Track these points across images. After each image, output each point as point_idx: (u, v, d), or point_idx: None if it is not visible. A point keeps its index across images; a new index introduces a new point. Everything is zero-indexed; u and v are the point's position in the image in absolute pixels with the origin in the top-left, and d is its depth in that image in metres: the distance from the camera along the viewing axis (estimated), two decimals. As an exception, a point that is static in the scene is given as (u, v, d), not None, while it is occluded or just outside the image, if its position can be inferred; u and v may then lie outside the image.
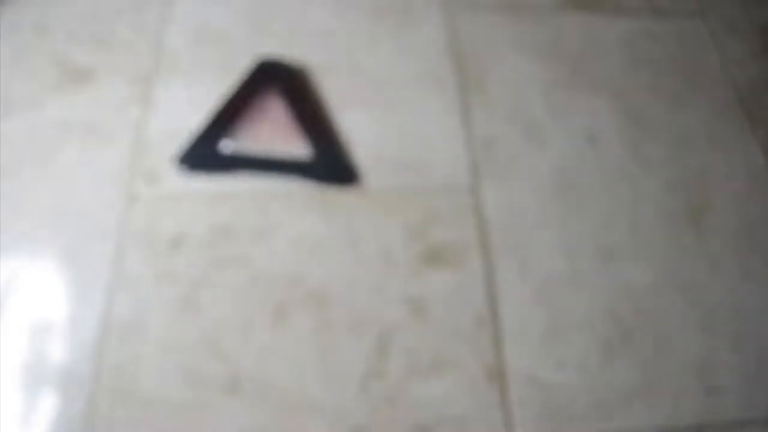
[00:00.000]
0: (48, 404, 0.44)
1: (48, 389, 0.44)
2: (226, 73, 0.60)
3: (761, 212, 0.57)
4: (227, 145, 0.55)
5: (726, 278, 0.53)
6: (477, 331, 0.49)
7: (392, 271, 0.51)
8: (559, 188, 0.56)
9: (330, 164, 0.55)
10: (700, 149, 0.60)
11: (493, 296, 0.50)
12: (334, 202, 0.54)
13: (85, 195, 0.52)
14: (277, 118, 0.57)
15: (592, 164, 0.57)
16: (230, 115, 0.57)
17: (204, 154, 0.54)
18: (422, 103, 0.60)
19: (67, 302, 0.48)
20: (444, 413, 0.45)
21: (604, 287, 0.51)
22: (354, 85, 0.61)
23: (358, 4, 0.66)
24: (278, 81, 0.59)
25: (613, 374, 0.48)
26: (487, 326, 0.49)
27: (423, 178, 0.56)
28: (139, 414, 0.44)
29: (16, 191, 0.52)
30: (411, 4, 0.67)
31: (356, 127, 0.58)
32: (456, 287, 0.50)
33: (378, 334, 0.48)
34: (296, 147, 0.56)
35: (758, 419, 0.47)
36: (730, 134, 0.61)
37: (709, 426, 0.46)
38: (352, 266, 0.51)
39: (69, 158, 0.54)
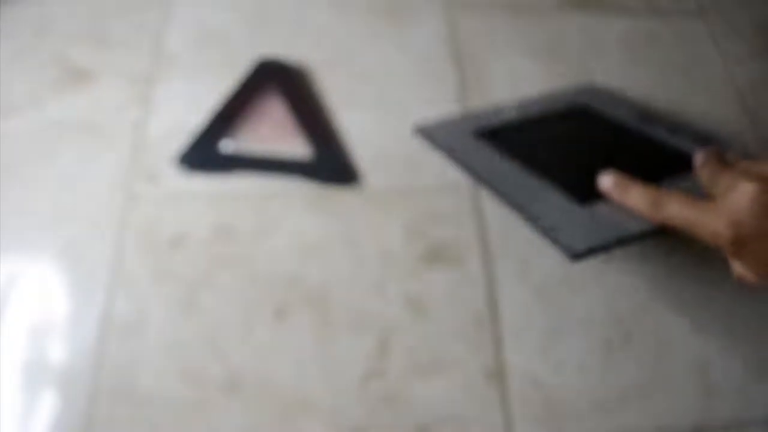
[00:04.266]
0: (48, 404, 0.44)
1: (48, 389, 0.44)
2: (226, 73, 0.60)
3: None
4: (227, 145, 0.55)
5: (726, 278, 0.52)
6: (477, 331, 0.49)
7: (392, 271, 0.51)
8: (559, 188, 0.56)
9: (330, 164, 0.55)
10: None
11: (493, 296, 0.50)
12: (334, 202, 0.54)
13: (85, 195, 0.52)
14: (277, 118, 0.57)
15: (592, 164, 0.57)
16: (230, 114, 0.57)
17: (204, 154, 0.54)
18: (422, 103, 0.60)
19: (67, 302, 0.48)
20: (444, 413, 0.45)
21: (604, 287, 0.51)
22: (354, 85, 0.61)
23: (358, 3, 0.66)
24: (278, 81, 0.59)
25: (614, 374, 0.48)
26: (487, 326, 0.49)
27: (423, 177, 0.56)
28: (139, 414, 0.44)
29: (16, 191, 0.52)
30: (411, 4, 0.67)
31: (356, 127, 0.58)
32: (456, 287, 0.50)
33: (378, 334, 0.48)
34: (296, 147, 0.56)
35: (758, 419, 0.47)
36: (729, 134, 0.61)
37: (708, 426, 0.46)
38: (351, 266, 0.51)
39: (69, 158, 0.54)
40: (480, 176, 0.46)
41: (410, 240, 0.53)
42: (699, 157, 0.41)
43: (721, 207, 0.35)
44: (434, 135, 0.52)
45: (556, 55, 0.65)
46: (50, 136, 0.55)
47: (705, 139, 0.47)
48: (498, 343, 0.49)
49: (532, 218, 0.41)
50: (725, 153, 0.42)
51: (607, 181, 0.42)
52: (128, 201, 0.52)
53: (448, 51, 0.64)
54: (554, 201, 0.42)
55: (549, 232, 0.40)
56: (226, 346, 0.47)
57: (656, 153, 0.46)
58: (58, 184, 0.53)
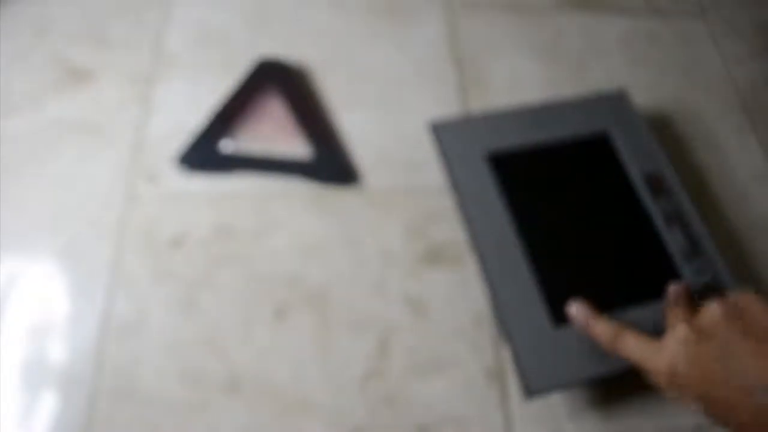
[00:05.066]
0: (48, 404, 0.44)
1: (48, 389, 0.44)
2: (226, 73, 0.60)
3: (761, 212, 0.57)
4: (227, 145, 0.55)
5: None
6: (477, 331, 0.49)
7: (392, 271, 0.51)
8: (559, 188, 0.56)
9: (330, 164, 0.55)
10: (700, 149, 0.60)
11: (493, 296, 0.50)
12: (334, 202, 0.54)
13: (84, 195, 0.52)
14: (277, 118, 0.57)
15: (592, 164, 0.57)
16: (230, 114, 0.57)
17: (204, 154, 0.54)
18: (422, 102, 0.60)
19: (67, 302, 0.48)
20: (444, 413, 0.45)
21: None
22: (354, 85, 0.61)
23: (359, 3, 0.66)
24: (278, 81, 0.59)
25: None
26: (487, 326, 0.49)
27: (423, 177, 0.56)
28: (139, 414, 0.44)
29: (16, 191, 0.52)
30: (411, 4, 0.67)
31: (356, 127, 0.58)
32: (456, 287, 0.50)
33: (378, 334, 0.48)
34: (296, 147, 0.56)
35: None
36: (730, 134, 0.61)
37: (708, 426, 0.46)
38: (352, 266, 0.51)
39: (69, 158, 0.54)
40: (474, 234, 0.47)
41: (410, 240, 0.53)
42: (671, 292, 0.43)
43: (663, 346, 0.38)
44: (445, 141, 0.51)
45: (556, 55, 0.65)
46: (50, 136, 0.55)
47: (696, 244, 0.48)
48: (498, 343, 0.49)
49: (505, 332, 0.44)
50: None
51: (575, 310, 0.44)
52: (128, 201, 0.52)
53: (448, 51, 0.64)
54: (531, 314, 0.44)
55: (517, 357, 0.43)
56: (226, 346, 0.47)
57: (645, 248, 0.48)
58: (58, 184, 0.53)
